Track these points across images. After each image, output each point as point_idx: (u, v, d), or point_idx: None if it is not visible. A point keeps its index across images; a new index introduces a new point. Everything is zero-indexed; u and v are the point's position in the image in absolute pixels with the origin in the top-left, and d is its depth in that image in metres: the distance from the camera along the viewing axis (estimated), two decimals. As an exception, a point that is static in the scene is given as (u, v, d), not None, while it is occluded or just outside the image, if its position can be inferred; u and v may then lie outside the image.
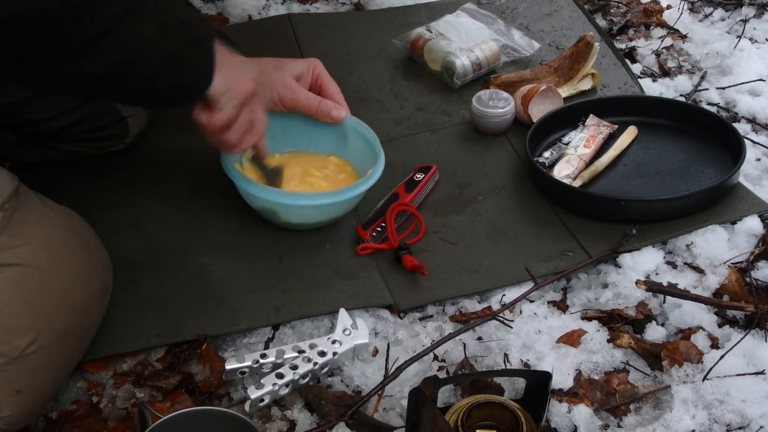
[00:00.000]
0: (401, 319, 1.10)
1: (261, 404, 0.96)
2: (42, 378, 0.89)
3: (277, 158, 1.24)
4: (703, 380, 0.97)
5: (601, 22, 1.74)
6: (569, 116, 1.38)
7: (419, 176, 1.27)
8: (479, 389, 0.96)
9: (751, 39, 1.67)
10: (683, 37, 1.68)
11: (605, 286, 1.12)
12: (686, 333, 1.05)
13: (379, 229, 1.19)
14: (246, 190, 1.15)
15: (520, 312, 1.09)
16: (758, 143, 1.37)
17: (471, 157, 1.37)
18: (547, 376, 0.89)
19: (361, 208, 1.23)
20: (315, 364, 0.98)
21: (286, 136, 1.25)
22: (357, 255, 1.17)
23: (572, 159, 1.29)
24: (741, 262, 1.13)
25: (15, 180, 0.89)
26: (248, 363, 0.99)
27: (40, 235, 0.90)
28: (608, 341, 1.04)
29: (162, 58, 0.88)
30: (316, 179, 1.23)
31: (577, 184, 1.26)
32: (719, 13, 1.77)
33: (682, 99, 1.48)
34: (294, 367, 0.97)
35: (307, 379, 0.99)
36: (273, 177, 1.20)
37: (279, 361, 0.99)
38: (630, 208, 1.20)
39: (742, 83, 1.51)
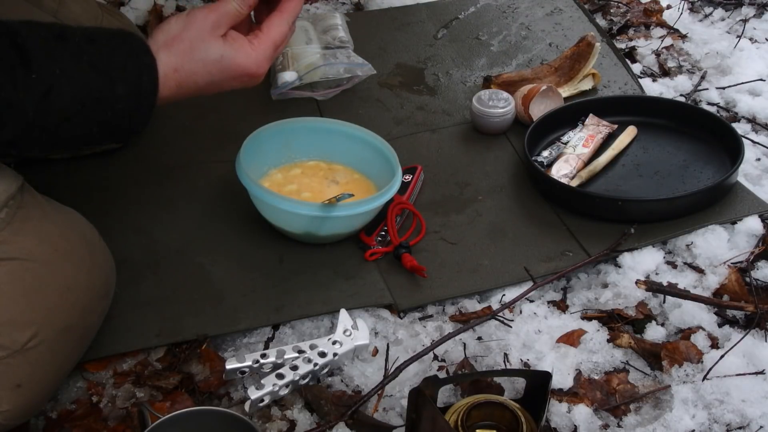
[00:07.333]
0: (401, 318, 1.09)
1: (261, 404, 0.96)
2: (43, 373, 0.89)
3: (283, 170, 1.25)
4: (703, 380, 0.97)
5: (601, 22, 1.74)
6: (569, 116, 1.38)
7: (407, 177, 1.26)
8: (479, 389, 0.96)
9: (751, 39, 1.67)
10: (683, 37, 1.68)
11: (605, 286, 1.12)
12: (686, 333, 1.05)
13: (383, 233, 1.18)
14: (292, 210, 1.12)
15: (520, 312, 1.09)
16: (758, 143, 1.37)
17: (471, 157, 1.37)
18: (547, 376, 0.89)
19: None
20: (315, 364, 0.98)
21: (288, 147, 1.26)
22: (357, 255, 1.17)
23: (570, 158, 1.29)
24: (741, 262, 1.13)
25: (20, 178, 0.90)
26: (248, 363, 0.99)
27: (44, 231, 0.90)
28: (608, 341, 1.04)
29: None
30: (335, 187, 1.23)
31: (574, 183, 1.26)
32: (719, 13, 1.77)
33: (682, 99, 1.48)
34: (294, 368, 0.97)
35: (307, 380, 0.99)
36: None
37: (279, 361, 0.99)
38: (627, 208, 1.20)
39: (742, 83, 1.51)
